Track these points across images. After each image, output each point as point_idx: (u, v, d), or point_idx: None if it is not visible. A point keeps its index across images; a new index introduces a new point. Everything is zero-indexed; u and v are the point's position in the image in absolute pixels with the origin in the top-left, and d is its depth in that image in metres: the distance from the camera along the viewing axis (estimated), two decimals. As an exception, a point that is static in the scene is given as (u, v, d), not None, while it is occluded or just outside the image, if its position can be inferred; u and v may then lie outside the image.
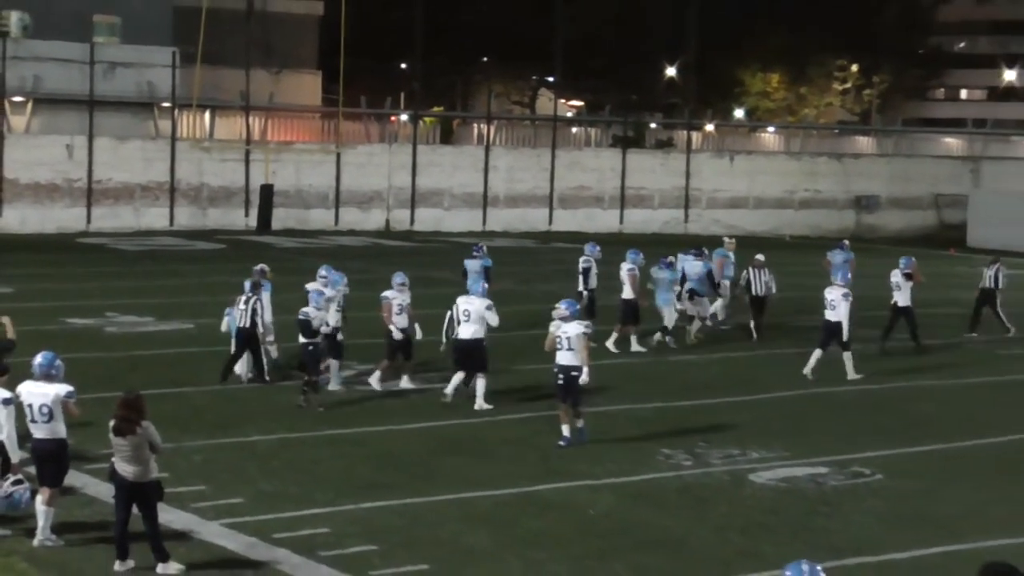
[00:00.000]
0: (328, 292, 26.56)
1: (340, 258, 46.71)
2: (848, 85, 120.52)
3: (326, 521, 17.62)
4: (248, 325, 26.58)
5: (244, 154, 63.55)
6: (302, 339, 24.94)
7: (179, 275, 44.69)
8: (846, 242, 41.97)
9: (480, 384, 25.15)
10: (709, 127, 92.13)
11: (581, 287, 32.98)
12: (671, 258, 34.15)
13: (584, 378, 22.20)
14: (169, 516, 16.93)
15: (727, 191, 74.19)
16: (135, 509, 15.73)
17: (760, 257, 34.06)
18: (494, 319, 25.39)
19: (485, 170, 68.30)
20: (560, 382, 22.27)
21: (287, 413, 24.13)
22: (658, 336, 32.71)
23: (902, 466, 21.63)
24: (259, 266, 29.69)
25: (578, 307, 23.07)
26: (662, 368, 29.82)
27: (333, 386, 26.29)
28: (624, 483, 20.06)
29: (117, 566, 15.67)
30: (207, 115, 69.26)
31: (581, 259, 33.42)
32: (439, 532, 17.46)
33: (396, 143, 70.68)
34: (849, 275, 36.96)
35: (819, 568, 9.54)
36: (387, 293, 26.84)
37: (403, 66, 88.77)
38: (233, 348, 26.86)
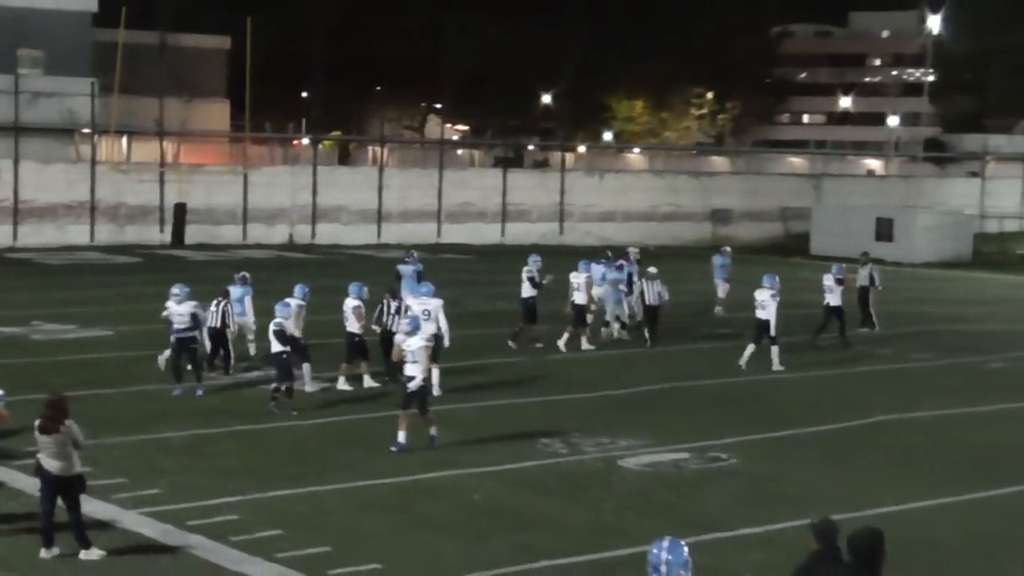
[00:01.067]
0: (294, 303, 26.51)
1: (248, 269, 46.43)
2: (704, 111, 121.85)
3: (236, 509, 17.49)
4: (218, 325, 27.16)
5: (159, 176, 62.97)
6: (276, 347, 24.14)
7: (100, 287, 44.13)
8: (727, 249, 42.38)
9: (436, 374, 25.36)
10: (581, 149, 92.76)
11: (525, 294, 32.58)
12: (621, 261, 34.83)
13: (436, 390, 22.05)
14: (91, 507, 16.71)
15: (597, 206, 74.43)
16: (59, 501, 15.55)
17: (652, 270, 33.75)
18: (443, 317, 26.25)
19: (379, 188, 68.09)
20: (407, 391, 21.39)
21: (200, 411, 23.90)
22: (609, 329, 33.75)
23: (755, 451, 21.81)
24: (240, 273, 30.24)
25: (419, 322, 22.35)
26: (544, 366, 29.80)
27: (309, 388, 25.83)
28: (506, 470, 20.06)
29: (43, 553, 15.46)
30: (124, 140, 68.70)
31: (524, 269, 33.00)
32: (339, 517, 17.39)
33: (298, 165, 70.35)
34: (727, 275, 38.27)
35: (681, 543, 9.55)
36: (356, 303, 26.62)
37: (304, 94, 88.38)
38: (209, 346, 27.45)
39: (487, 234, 70.03)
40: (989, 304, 45.53)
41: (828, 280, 34.54)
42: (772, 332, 30.01)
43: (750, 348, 29.99)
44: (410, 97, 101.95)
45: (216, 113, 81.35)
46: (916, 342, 35.06)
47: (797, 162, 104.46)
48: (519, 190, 72.38)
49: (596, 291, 33.92)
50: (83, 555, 15.44)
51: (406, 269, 34.36)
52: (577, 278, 32.56)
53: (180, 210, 62.00)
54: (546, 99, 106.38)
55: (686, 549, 9.51)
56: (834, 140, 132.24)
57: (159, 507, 17.51)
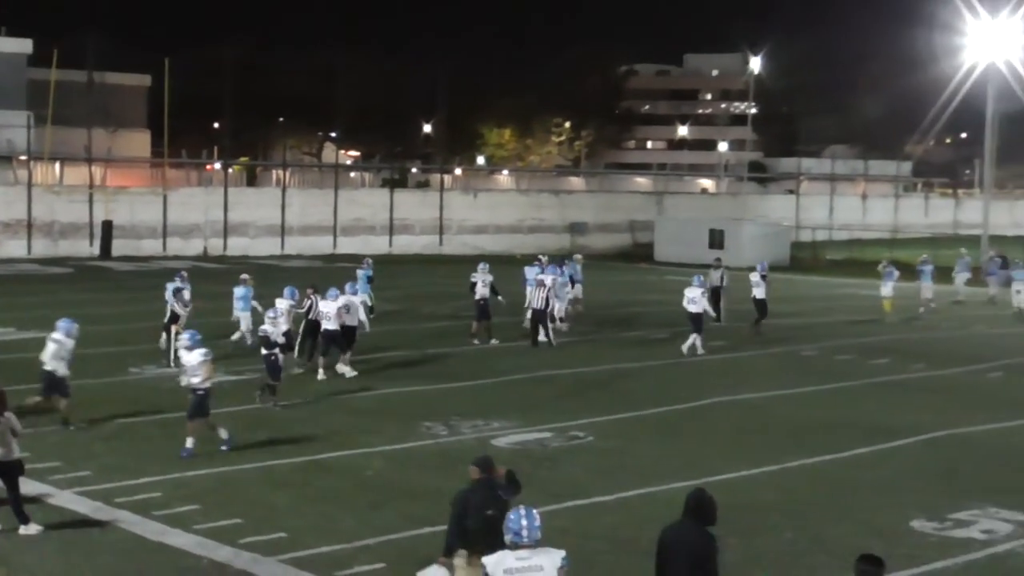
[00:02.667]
0: (285, 304, 26.77)
1: (166, 278, 45.78)
2: (563, 138, 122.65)
3: (157, 487, 17.28)
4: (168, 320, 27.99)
5: (88, 196, 62.04)
6: (263, 351, 23.62)
7: (36, 294, 43.28)
8: (578, 256, 42.66)
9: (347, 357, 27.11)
10: (457, 171, 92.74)
11: (477, 296, 32.58)
12: (566, 267, 35.55)
13: (349, 372, 21.99)
14: (29, 487, 16.42)
15: (472, 220, 74.55)
16: (0, 483, 15.27)
17: (542, 277, 33.84)
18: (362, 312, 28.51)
19: (282, 206, 67.61)
20: (192, 402, 19.73)
21: (126, 402, 23.58)
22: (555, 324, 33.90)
23: (607, 430, 21.96)
24: (243, 275, 31.69)
25: (199, 337, 20.21)
26: (427, 359, 29.78)
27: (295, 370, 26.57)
28: (394, 450, 20.02)
29: (-14, 529, 15.22)
30: (57, 165, 67.73)
31: (472, 274, 33.12)
32: (248, 493, 17.25)
33: (211, 186, 69.76)
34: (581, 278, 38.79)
35: (534, 511, 9.65)
36: (342, 301, 27.16)
37: (215, 125, 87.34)
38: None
39: (376, 245, 69.74)
40: (803, 301, 46.23)
41: (754, 276, 35.87)
42: (701, 324, 31.26)
43: (692, 338, 31.13)
44: (308, 127, 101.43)
45: (138, 141, 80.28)
46: (743, 334, 35.52)
47: (642, 181, 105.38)
48: (404, 207, 72.27)
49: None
50: (22, 530, 15.18)
51: (360, 273, 35.19)
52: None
53: (107, 226, 61.21)
54: (426, 128, 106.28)
55: (537, 515, 9.62)
56: (673, 163, 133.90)
57: (90, 487, 17.26)
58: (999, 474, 19.26)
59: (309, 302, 27.54)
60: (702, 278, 32.30)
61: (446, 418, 22.52)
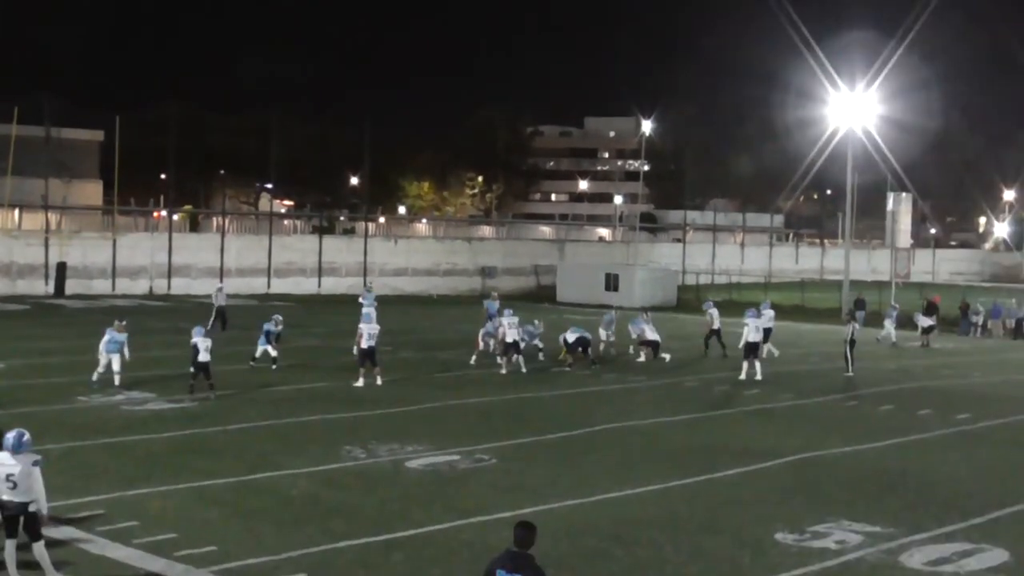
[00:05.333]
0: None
1: (115, 316, 45.13)
2: (476, 190, 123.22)
3: (101, 506, 17.03)
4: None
5: (44, 240, 61.26)
6: None
7: (-7, 329, 42.51)
8: (495, 294, 42.66)
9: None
10: (380, 219, 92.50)
11: (509, 340, 33.98)
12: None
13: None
14: (-19, 507, 16.09)
15: (393, 264, 74.44)
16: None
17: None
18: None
19: (221, 250, 67.10)
20: None
21: (74, 427, 23.19)
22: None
23: (509, 453, 21.95)
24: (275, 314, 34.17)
25: None
26: (350, 389, 29.60)
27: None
28: (316, 471, 19.87)
29: (-61, 548, 14.83)
30: (16, 212, 66.68)
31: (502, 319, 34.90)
32: (183, 510, 17.03)
33: (157, 231, 69.03)
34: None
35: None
36: (361, 326, 30.27)
37: (162, 176, 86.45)
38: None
39: (306, 286, 69.55)
40: (687, 339, 46.45)
41: (766, 313, 37.69)
42: (723, 345, 34.60)
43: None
44: (246, 179, 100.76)
45: (91, 191, 79.21)
46: (633, 367, 35.80)
47: (546, 230, 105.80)
48: (331, 251, 72.06)
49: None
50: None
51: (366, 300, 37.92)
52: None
53: (61, 268, 60.52)
54: (353, 180, 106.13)
55: None
56: (574, 213, 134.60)
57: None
58: (852, 491, 19.57)
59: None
60: (710, 302, 33.85)
61: (365, 442, 22.42)
